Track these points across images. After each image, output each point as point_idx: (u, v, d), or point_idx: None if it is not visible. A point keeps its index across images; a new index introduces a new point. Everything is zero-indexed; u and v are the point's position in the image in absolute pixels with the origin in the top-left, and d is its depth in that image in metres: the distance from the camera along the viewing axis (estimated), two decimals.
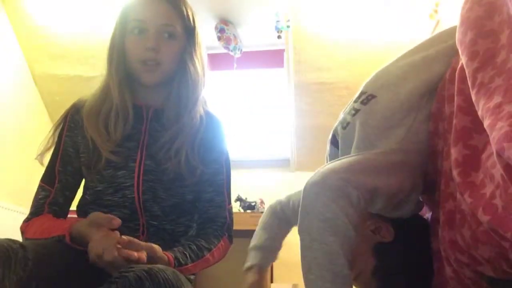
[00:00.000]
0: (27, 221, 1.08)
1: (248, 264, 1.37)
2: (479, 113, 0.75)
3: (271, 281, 2.71)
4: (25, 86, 3.10)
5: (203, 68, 1.16)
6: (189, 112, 1.12)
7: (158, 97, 1.15)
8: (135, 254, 0.85)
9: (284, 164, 3.38)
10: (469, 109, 0.83)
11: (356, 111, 1.06)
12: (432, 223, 0.99)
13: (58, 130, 1.15)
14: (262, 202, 3.03)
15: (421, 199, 1.07)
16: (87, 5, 2.78)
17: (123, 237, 0.89)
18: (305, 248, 0.88)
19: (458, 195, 0.83)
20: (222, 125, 1.21)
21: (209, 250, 1.06)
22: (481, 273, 0.84)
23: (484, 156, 0.78)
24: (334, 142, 1.15)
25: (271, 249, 1.39)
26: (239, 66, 3.22)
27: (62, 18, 2.87)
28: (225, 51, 3.04)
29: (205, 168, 1.13)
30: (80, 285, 0.94)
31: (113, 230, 0.91)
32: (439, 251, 0.93)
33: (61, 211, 1.10)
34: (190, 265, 0.99)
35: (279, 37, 2.80)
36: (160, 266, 0.80)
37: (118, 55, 1.10)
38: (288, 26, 2.73)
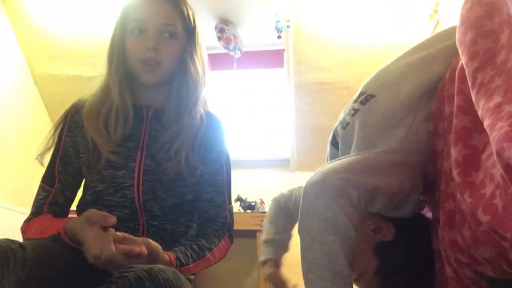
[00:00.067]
0: (27, 221, 1.08)
1: (262, 258, 1.46)
2: (479, 113, 0.75)
3: None
4: (25, 86, 3.10)
5: (203, 68, 1.16)
6: (190, 112, 1.12)
7: (158, 97, 1.15)
8: (136, 248, 0.86)
9: (284, 164, 3.38)
10: (469, 109, 0.83)
11: (356, 111, 1.06)
12: (432, 223, 0.99)
13: (58, 130, 1.15)
14: (262, 202, 3.03)
15: (421, 199, 1.08)
16: (87, 5, 2.78)
17: (118, 233, 0.89)
18: (305, 248, 0.88)
19: (458, 195, 0.83)
20: (222, 125, 1.21)
21: (210, 249, 1.06)
22: (481, 273, 0.84)
23: (484, 156, 0.78)
24: (334, 142, 1.16)
25: (281, 242, 1.46)
26: (239, 66, 3.22)
27: (62, 18, 2.87)
28: (225, 51, 3.04)
29: (205, 168, 1.13)
30: (80, 285, 0.94)
31: (107, 228, 0.91)
32: (439, 251, 0.93)
33: (61, 211, 1.10)
34: (191, 265, 0.99)
35: (279, 37, 2.80)
36: (160, 266, 0.80)
37: (118, 55, 1.10)
38: (288, 26, 2.73)
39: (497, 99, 0.71)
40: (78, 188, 1.16)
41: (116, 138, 1.08)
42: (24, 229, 1.07)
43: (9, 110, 2.90)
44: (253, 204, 2.97)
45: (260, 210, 2.93)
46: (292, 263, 1.59)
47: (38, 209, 1.09)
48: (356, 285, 1.08)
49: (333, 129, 1.17)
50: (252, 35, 3.08)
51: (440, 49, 1.03)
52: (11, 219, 2.67)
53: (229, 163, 1.20)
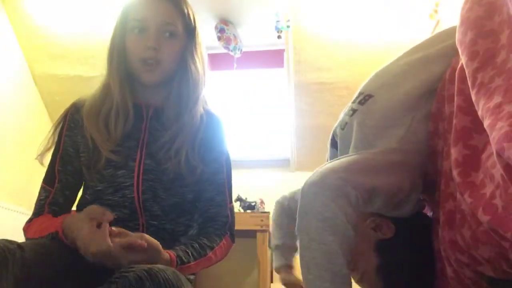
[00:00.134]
0: (29, 222, 1.09)
1: (276, 265, 1.51)
2: (479, 113, 0.75)
3: (271, 281, 2.71)
4: (25, 86, 3.10)
5: (203, 67, 1.16)
6: (190, 112, 1.12)
7: (158, 97, 1.15)
8: (137, 240, 0.86)
9: (284, 164, 3.38)
10: (469, 109, 0.83)
11: (354, 111, 1.06)
12: (432, 223, 0.99)
13: (58, 130, 1.15)
14: (262, 202, 3.03)
15: (421, 198, 1.08)
16: (87, 5, 2.78)
17: (114, 228, 0.89)
18: (303, 248, 0.88)
19: (458, 195, 0.83)
20: (222, 124, 1.21)
21: (212, 248, 1.06)
22: (481, 273, 0.84)
23: (484, 156, 0.78)
24: (333, 143, 1.16)
25: (288, 246, 1.48)
26: (239, 66, 3.22)
27: (62, 18, 2.87)
28: (225, 51, 3.04)
29: (206, 168, 1.13)
30: (79, 285, 0.94)
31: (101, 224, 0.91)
32: (440, 251, 0.93)
33: (61, 211, 1.10)
34: (192, 263, 0.99)
35: (279, 37, 2.80)
36: (160, 266, 0.80)
37: (118, 55, 1.10)
38: (288, 26, 2.73)
39: (497, 99, 0.71)
40: (79, 188, 1.16)
41: (116, 137, 1.08)
42: (26, 229, 1.08)
43: (9, 110, 2.90)
44: (253, 204, 2.97)
45: (260, 210, 2.93)
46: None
47: (39, 209, 1.09)
48: (359, 285, 1.08)
49: (332, 131, 1.17)
50: (252, 35, 3.07)
51: (439, 50, 1.03)
52: (11, 219, 2.67)
53: (229, 162, 1.20)
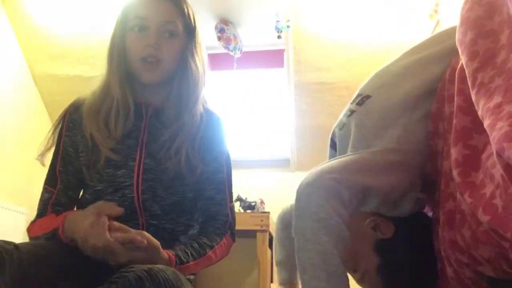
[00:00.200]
0: (33, 222, 1.09)
1: (279, 281, 1.45)
2: (479, 113, 0.75)
3: (271, 281, 2.72)
4: (25, 86, 3.10)
5: (203, 67, 1.16)
6: (190, 111, 1.12)
7: (158, 96, 1.15)
8: (137, 236, 0.86)
9: (284, 164, 3.38)
10: (469, 109, 0.83)
11: (352, 112, 1.07)
12: (433, 223, 0.99)
13: (58, 130, 1.15)
14: (262, 202, 3.03)
15: (421, 197, 1.08)
16: (87, 5, 2.78)
17: (114, 222, 0.90)
18: (299, 249, 0.88)
19: (458, 195, 0.83)
20: (222, 122, 1.21)
21: (211, 248, 1.06)
22: (481, 273, 0.84)
23: (484, 156, 0.78)
24: (333, 144, 1.16)
25: (291, 262, 1.38)
26: (239, 66, 3.22)
27: (62, 18, 2.87)
28: (225, 51, 3.04)
29: (206, 167, 1.13)
30: (79, 285, 0.94)
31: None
32: (440, 251, 0.93)
33: (64, 211, 1.09)
34: (191, 263, 0.99)
35: (279, 37, 2.80)
36: (160, 266, 0.80)
37: (118, 54, 1.10)
38: (288, 26, 2.73)
39: (497, 99, 0.71)
40: (81, 187, 1.16)
41: (117, 135, 1.08)
42: (29, 229, 1.07)
43: (9, 110, 2.90)
44: (253, 204, 2.96)
45: (260, 210, 2.92)
46: None
47: (42, 210, 1.09)
48: (360, 285, 1.08)
49: (331, 132, 1.17)
50: (252, 35, 3.07)
51: (439, 50, 1.03)
52: (11, 219, 2.67)
53: (229, 160, 1.20)
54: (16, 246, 0.84)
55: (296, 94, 3.03)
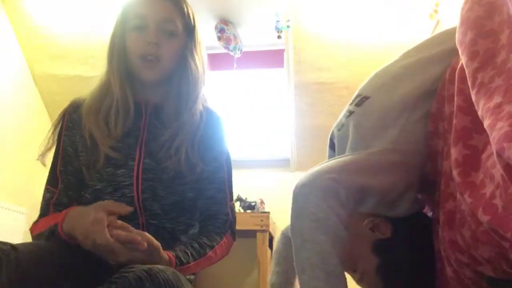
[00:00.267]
0: (35, 222, 1.09)
1: None
2: (479, 113, 0.75)
3: None
4: (25, 86, 3.10)
5: (203, 66, 1.17)
6: (189, 109, 1.12)
7: (158, 95, 1.15)
8: (137, 237, 0.86)
9: (284, 164, 3.38)
10: (469, 109, 0.83)
11: (350, 113, 1.07)
12: (432, 223, 0.99)
13: (57, 130, 1.15)
14: (262, 202, 3.03)
15: (420, 198, 1.08)
16: (87, 5, 2.78)
17: (117, 220, 0.90)
18: (297, 249, 0.88)
19: (458, 195, 0.83)
20: (222, 121, 1.21)
21: (212, 247, 1.06)
22: (481, 273, 0.84)
23: (484, 156, 0.78)
24: (331, 145, 1.16)
25: (286, 284, 1.37)
26: (239, 66, 3.21)
27: (62, 18, 2.87)
28: (225, 51, 3.04)
29: (206, 166, 1.13)
30: (79, 285, 0.94)
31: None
32: (440, 251, 0.93)
33: None
34: (192, 263, 0.99)
35: (279, 37, 2.80)
36: (160, 266, 0.80)
37: (118, 54, 1.11)
38: (288, 26, 2.73)
39: (497, 99, 0.71)
40: (81, 187, 1.16)
41: (117, 134, 1.08)
42: (32, 229, 1.08)
43: (9, 110, 2.90)
44: (253, 204, 2.97)
45: (260, 210, 2.93)
46: None
47: (44, 210, 1.10)
48: (359, 285, 1.08)
49: (330, 133, 1.17)
50: (252, 35, 3.07)
51: (438, 52, 1.03)
52: (11, 219, 2.67)
53: (229, 159, 1.20)
54: (13, 247, 0.84)
55: (296, 94, 3.03)
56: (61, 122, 1.16)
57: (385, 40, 2.67)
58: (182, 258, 0.97)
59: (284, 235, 1.39)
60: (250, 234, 2.64)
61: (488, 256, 0.78)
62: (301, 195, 0.90)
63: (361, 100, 1.06)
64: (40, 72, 3.13)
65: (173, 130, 1.10)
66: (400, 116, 1.00)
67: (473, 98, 0.78)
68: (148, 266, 0.79)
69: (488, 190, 0.74)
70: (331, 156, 1.16)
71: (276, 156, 3.42)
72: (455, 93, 0.88)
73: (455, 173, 0.82)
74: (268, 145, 3.48)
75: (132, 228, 0.91)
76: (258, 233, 2.67)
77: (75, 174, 1.13)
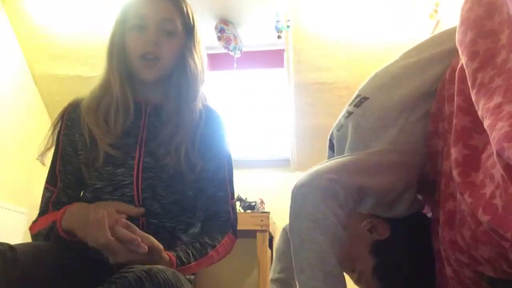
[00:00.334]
0: (35, 221, 1.09)
1: None
2: (479, 113, 0.75)
3: None
4: (25, 86, 3.10)
5: (202, 65, 1.17)
6: (189, 107, 1.12)
7: (157, 94, 1.15)
8: (138, 239, 0.87)
9: (284, 164, 3.37)
10: (469, 109, 0.83)
11: (349, 113, 1.07)
12: (432, 223, 0.99)
13: (57, 130, 1.16)
14: (262, 202, 3.03)
15: (421, 198, 1.08)
16: (87, 5, 2.77)
17: (123, 219, 0.90)
18: (296, 250, 0.88)
19: (458, 195, 0.83)
20: (222, 120, 1.21)
21: (213, 247, 1.06)
22: (481, 273, 0.84)
23: (484, 156, 0.78)
24: (331, 145, 1.16)
25: (286, 280, 1.38)
26: (239, 66, 3.21)
27: (62, 18, 2.86)
28: (225, 51, 3.04)
29: (206, 165, 1.13)
30: (78, 285, 0.94)
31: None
32: (439, 251, 0.93)
33: None
34: (193, 263, 0.99)
35: (279, 37, 2.80)
36: (160, 266, 0.80)
37: (118, 53, 1.11)
38: (288, 26, 2.73)
39: (497, 99, 0.71)
40: (81, 186, 1.16)
41: (116, 132, 1.08)
42: (31, 228, 1.08)
43: (9, 110, 2.90)
44: (253, 204, 2.97)
45: (260, 210, 2.93)
46: None
47: (44, 209, 1.10)
48: (357, 286, 1.08)
49: (329, 134, 1.17)
50: (252, 35, 3.07)
51: (439, 51, 1.03)
52: (11, 219, 2.67)
53: (230, 158, 1.20)
54: (10, 247, 0.84)
55: (296, 94, 3.03)
56: (60, 121, 1.16)
57: (385, 40, 2.66)
58: (183, 258, 0.97)
59: (285, 231, 1.40)
60: (250, 234, 2.64)
61: (488, 256, 0.78)
62: (299, 195, 0.90)
63: (360, 101, 1.06)
64: (40, 72, 3.13)
65: (173, 126, 1.10)
66: (399, 116, 1.00)
67: (473, 98, 0.78)
68: (148, 266, 0.79)
69: (488, 190, 0.74)
70: (331, 157, 1.16)
71: (276, 156, 3.42)
72: (455, 93, 0.88)
73: (455, 173, 0.82)
74: (268, 145, 3.48)
75: (136, 229, 0.91)
76: (258, 233, 2.67)
77: (75, 173, 1.13)
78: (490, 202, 0.72)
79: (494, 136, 0.67)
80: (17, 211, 2.71)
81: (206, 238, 1.06)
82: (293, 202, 0.90)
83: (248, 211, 2.92)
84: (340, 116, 1.12)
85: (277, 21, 2.73)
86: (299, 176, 0.94)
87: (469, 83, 0.80)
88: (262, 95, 3.47)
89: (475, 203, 0.75)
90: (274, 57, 3.27)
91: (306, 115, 3.10)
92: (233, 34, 2.93)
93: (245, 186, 2.91)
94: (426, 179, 1.01)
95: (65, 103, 1.20)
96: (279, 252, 1.41)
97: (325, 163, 0.97)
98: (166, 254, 0.93)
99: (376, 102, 1.04)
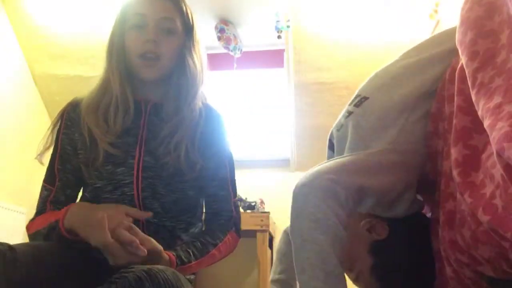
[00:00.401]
0: (32, 220, 1.09)
1: None
2: (479, 113, 0.75)
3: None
4: (25, 86, 3.10)
5: (201, 64, 1.17)
6: (189, 105, 1.12)
7: (157, 93, 1.16)
8: (137, 242, 0.87)
9: (284, 164, 3.37)
10: (469, 109, 0.83)
11: (349, 113, 1.07)
12: (432, 223, 0.99)
13: (56, 129, 1.16)
14: (262, 202, 3.03)
15: (421, 199, 1.08)
16: (87, 5, 2.78)
17: (124, 222, 0.90)
18: (297, 250, 0.88)
19: (458, 195, 0.83)
20: (222, 118, 1.21)
21: (215, 245, 1.06)
22: (481, 273, 0.84)
23: (484, 156, 0.78)
24: (331, 145, 1.16)
25: (287, 281, 1.38)
26: (239, 66, 3.22)
27: (62, 18, 2.87)
28: (225, 51, 3.04)
29: (206, 163, 1.13)
30: (79, 285, 0.94)
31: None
32: (439, 251, 0.93)
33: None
34: (193, 263, 0.99)
35: (279, 37, 2.80)
36: (160, 266, 0.80)
37: (118, 53, 1.11)
38: (288, 26, 2.73)
39: (497, 99, 0.71)
40: (80, 185, 1.16)
41: (116, 130, 1.08)
42: (29, 227, 1.08)
43: (9, 110, 2.90)
44: (253, 204, 2.97)
45: (260, 210, 2.93)
46: None
47: (41, 208, 1.10)
48: (356, 285, 1.08)
49: (329, 134, 1.17)
50: (252, 35, 3.07)
51: (439, 51, 1.03)
52: (11, 219, 2.67)
53: (231, 156, 1.20)
54: (10, 247, 0.84)
55: (296, 94, 3.03)
56: (59, 121, 1.16)
57: (385, 40, 2.67)
58: (184, 258, 0.97)
59: (287, 233, 1.40)
60: (250, 234, 2.64)
61: (488, 256, 0.78)
62: (300, 195, 0.90)
63: (360, 101, 1.06)
64: (40, 72, 3.13)
65: (173, 125, 1.10)
66: (399, 116, 1.00)
67: (473, 98, 0.78)
68: (148, 266, 0.79)
69: (488, 190, 0.74)
70: (330, 157, 1.16)
71: (276, 156, 3.42)
72: (455, 93, 0.88)
73: (455, 173, 0.82)
74: (268, 145, 3.48)
75: (138, 232, 0.91)
76: (258, 233, 2.67)
77: (74, 172, 1.13)
78: (490, 202, 0.72)
79: (494, 136, 0.67)
80: (17, 211, 2.71)
81: (207, 237, 1.06)
82: (294, 202, 0.90)
83: (248, 211, 2.92)
84: (340, 116, 1.12)
85: (277, 21, 2.73)
86: (299, 176, 0.94)
87: (469, 83, 0.80)
88: (262, 95, 3.47)
89: (475, 203, 0.75)
90: (274, 57, 3.28)
91: (306, 115, 3.10)
92: (233, 34, 2.93)
93: (245, 186, 2.90)
94: (426, 179, 1.01)
95: (65, 103, 1.20)
96: (280, 253, 1.41)
97: (326, 163, 0.97)
98: (166, 254, 0.93)
99: (376, 102, 1.04)
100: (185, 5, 1.15)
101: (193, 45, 1.16)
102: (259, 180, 3.27)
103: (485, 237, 0.76)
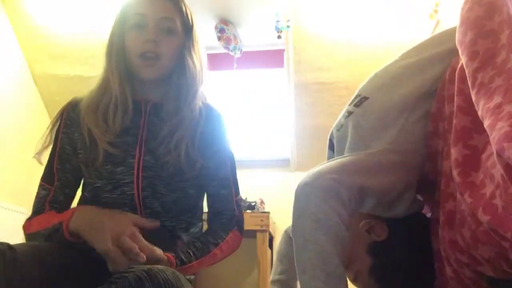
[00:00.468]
0: (29, 219, 1.08)
1: None
2: (479, 113, 0.75)
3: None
4: (25, 86, 3.10)
5: (201, 64, 1.17)
6: (189, 105, 1.12)
7: (157, 93, 1.15)
8: (137, 248, 0.87)
9: (284, 164, 3.38)
10: (469, 109, 0.83)
11: (349, 113, 1.07)
12: (432, 223, 0.99)
13: (55, 128, 1.16)
14: (262, 202, 3.03)
15: (421, 199, 1.08)
16: (87, 5, 2.78)
17: (130, 229, 0.91)
18: (299, 250, 0.88)
19: (458, 195, 0.83)
20: (222, 117, 1.21)
21: (216, 244, 1.06)
22: (481, 273, 0.84)
23: (484, 156, 0.78)
24: (331, 145, 1.16)
25: (287, 282, 1.38)
26: (239, 66, 3.22)
27: (62, 18, 2.87)
28: (225, 51, 3.04)
29: (207, 162, 1.13)
30: (79, 285, 0.94)
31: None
32: (439, 251, 0.93)
33: (62, 209, 1.10)
34: (194, 262, 0.99)
35: (279, 37, 2.80)
36: (160, 266, 0.80)
37: (117, 52, 1.11)
38: (288, 26, 2.73)
39: (497, 99, 0.71)
40: (78, 185, 1.16)
41: (115, 129, 1.08)
42: (26, 226, 1.07)
43: (9, 110, 2.90)
44: (253, 204, 2.97)
45: (260, 210, 2.93)
46: None
47: (39, 207, 1.09)
48: (354, 284, 1.08)
49: (329, 134, 1.17)
50: (252, 35, 3.07)
51: (439, 51, 1.03)
52: (11, 219, 2.67)
53: (232, 156, 1.20)
54: (10, 247, 0.84)
55: (296, 94, 3.03)
56: (59, 120, 1.16)
57: (385, 40, 2.67)
58: (183, 258, 0.97)
59: (287, 233, 1.40)
60: (250, 234, 2.63)
61: (488, 256, 0.78)
62: (302, 195, 0.90)
63: (360, 101, 1.06)
64: (40, 72, 3.13)
65: (173, 124, 1.10)
66: (399, 116, 1.00)
67: (473, 98, 0.78)
68: (148, 266, 0.79)
69: (488, 190, 0.74)
70: (330, 157, 1.16)
71: (276, 156, 3.42)
72: (455, 93, 0.88)
73: (455, 173, 0.82)
74: (268, 145, 3.48)
75: (141, 239, 0.91)
76: (258, 233, 2.67)
77: (73, 172, 1.13)
78: (490, 202, 0.72)
79: (494, 136, 0.67)
80: (17, 211, 2.71)
81: (208, 236, 1.06)
82: (296, 202, 0.90)
83: (248, 211, 2.92)
84: (340, 116, 1.12)
85: (277, 21, 2.73)
86: (299, 176, 0.94)
87: (469, 83, 0.80)
88: (262, 95, 3.47)
89: (475, 203, 0.75)
90: (274, 57, 3.28)
91: (306, 115, 3.10)
92: (233, 34, 2.93)
93: (245, 186, 2.89)
94: (426, 179, 1.01)
95: (65, 103, 1.20)
96: (280, 254, 1.41)
97: (327, 163, 0.97)
98: (165, 256, 0.93)
99: (376, 102, 1.04)
100: (184, 5, 1.15)
101: (193, 45, 1.16)
102: (259, 180, 3.27)
103: (485, 237, 0.76)
